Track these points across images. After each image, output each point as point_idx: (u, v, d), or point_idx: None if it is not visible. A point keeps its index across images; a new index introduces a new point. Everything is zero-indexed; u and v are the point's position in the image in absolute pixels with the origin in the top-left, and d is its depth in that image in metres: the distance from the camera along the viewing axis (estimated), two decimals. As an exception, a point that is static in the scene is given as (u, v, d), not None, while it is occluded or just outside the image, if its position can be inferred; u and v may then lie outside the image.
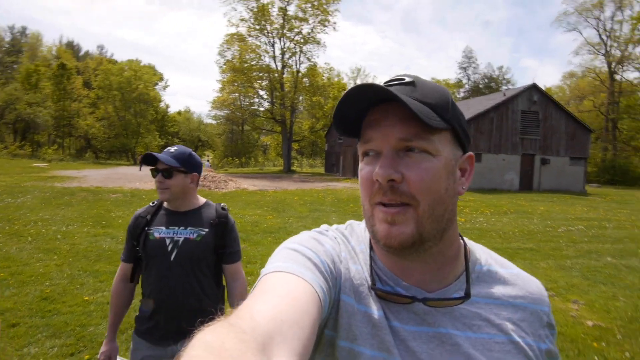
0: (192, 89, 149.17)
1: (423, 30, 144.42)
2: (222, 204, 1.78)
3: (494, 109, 21.00)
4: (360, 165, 0.57)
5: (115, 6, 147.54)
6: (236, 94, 36.72)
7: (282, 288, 0.46)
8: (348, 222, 0.70)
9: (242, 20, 34.22)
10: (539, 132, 21.71)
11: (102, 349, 1.67)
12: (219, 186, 16.73)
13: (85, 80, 54.06)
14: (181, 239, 1.62)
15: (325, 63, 52.51)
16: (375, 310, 0.55)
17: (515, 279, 0.62)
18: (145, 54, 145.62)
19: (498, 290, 0.60)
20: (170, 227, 1.64)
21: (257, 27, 34.39)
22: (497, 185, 20.54)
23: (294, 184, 20.36)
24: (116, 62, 67.31)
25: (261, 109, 38.45)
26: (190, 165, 1.67)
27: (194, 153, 1.72)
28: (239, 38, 34.78)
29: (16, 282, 4.35)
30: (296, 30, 34.83)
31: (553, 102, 22.61)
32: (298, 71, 36.29)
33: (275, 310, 0.40)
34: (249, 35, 34.72)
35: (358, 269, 0.60)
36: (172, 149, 1.67)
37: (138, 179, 19.89)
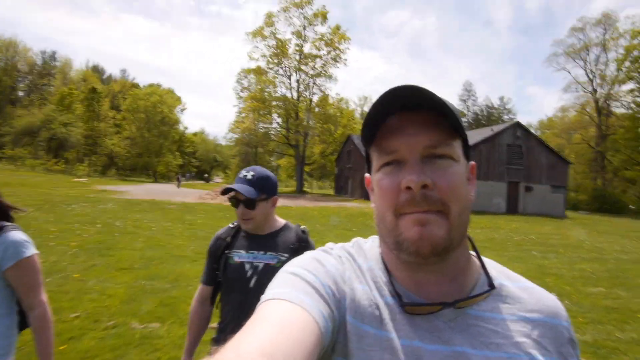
0: (201, 108, 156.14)
1: (428, 56, 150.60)
2: (303, 227, 1.69)
3: (483, 142, 24.41)
4: (378, 175, 0.55)
5: (130, 29, 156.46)
6: (255, 121, 40.45)
7: (276, 317, 0.44)
8: (354, 239, 0.68)
9: (262, 56, 38.45)
10: (522, 162, 25.01)
11: None
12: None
13: (111, 102, 58.65)
14: (261, 265, 1.54)
15: (336, 94, 56.42)
16: (385, 331, 0.52)
17: (530, 293, 0.58)
18: (158, 74, 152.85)
19: (513, 305, 0.56)
20: (250, 252, 1.57)
21: (276, 61, 38.51)
22: (485, 208, 23.56)
23: (310, 203, 23.51)
24: (138, 85, 72.61)
25: (273, 133, 42.04)
26: (270, 190, 1.58)
27: (271, 174, 1.62)
28: (259, 71, 38.89)
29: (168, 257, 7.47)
30: (311, 64, 38.91)
31: (534, 137, 26.18)
32: (311, 100, 40.10)
33: (265, 344, 0.38)
34: (269, 69, 38.80)
35: (364, 288, 0.57)
36: (249, 174, 1.56)
37: (176, 194, 23.26)
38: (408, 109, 0.52)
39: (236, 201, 1.54)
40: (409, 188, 0.50)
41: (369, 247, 0.64)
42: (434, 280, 0.55)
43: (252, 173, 1.56)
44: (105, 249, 6.75)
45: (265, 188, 1.56)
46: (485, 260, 0.62)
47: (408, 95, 0.50)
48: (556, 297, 0.61)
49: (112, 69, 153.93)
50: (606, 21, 42.67)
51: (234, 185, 1.51)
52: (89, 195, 18.22)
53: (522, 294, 0.58)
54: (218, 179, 69.97)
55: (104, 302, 4.16)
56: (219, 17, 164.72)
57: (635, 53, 38.64)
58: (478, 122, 57.54)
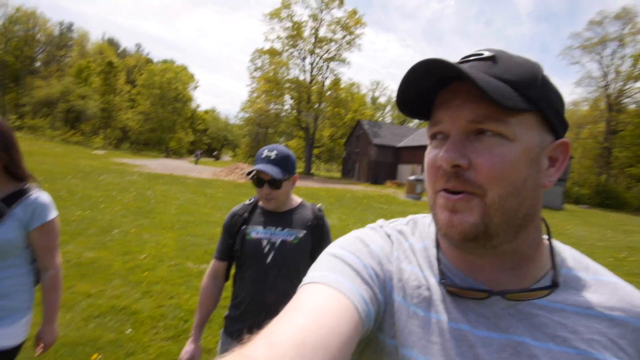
0: (212, 86, 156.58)
1: (445, 40, 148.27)
2: (319, 205, 1.70)
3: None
4: (428, 149, 0.53)
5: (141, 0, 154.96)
6: (267, 102, 41.30)
7: (312, 304, 0.43)
8: (410, 216, 0.65)
9: (278, 37, 38.93)
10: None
11: (186, 347, 1.56)
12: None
13: (126, 76, 59.72)
14: (278, 241, 1.54)
15: (349, 78, 56.73)
16: (435, 313, 0.50)
17: (614, 288, 0.51)
18: (170, 48, 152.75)
19: (590, 298, 0.49)
20: (267, 228, 1.56)
21: (291, 43, 39.00)
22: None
23: (318, 184, 24.59)
24: (152, 60, 73.46)
25: (284, 114, 42.92)
26: (292, 168, 1.58)
27: (291, 152, 1.60)
28: (273, 52, 39.47)
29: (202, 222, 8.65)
30: (325, 47, 39.33)
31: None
32: (323, 84, 40.70)
33: (298, 332, 0.37)
34: (284, 51, 39.34)
35: (414, 269, 0.54)
36: (272, 153, 1.53)
37: (190, 170, 24.50)
38: (458, 80, 0.48)
39: (260, 181, 1.53)
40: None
41: (426, 225, 0.62)
42: (489, 267, 0.51)
43: (275, 152, 1.54)
44: (147, 212, 7.95)
45: (288, 167, 1.56)
46: (562, 249, 0.56)
47: (437, 73, 0.47)
48: None
49: (126, 43, 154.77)
50: (626, 15, 42.09)
51: (260, 166, 1.50)
52: (111, 167, 19.47)
53: (601, 289, 0.51)
54: (227, 157, 71.35)
55: (162, 250, 5.34)
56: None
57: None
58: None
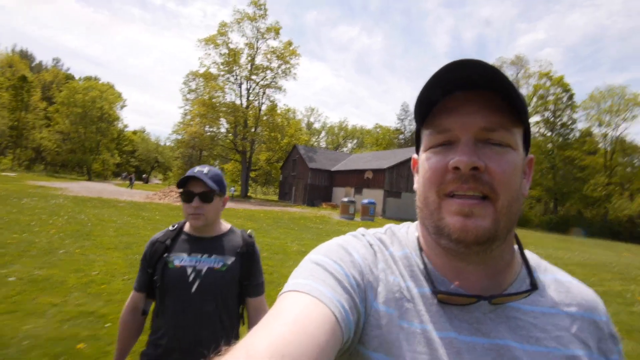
0: (142, 105, 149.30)
1: (373, 72, 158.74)
2: (249, 231, 1.64)
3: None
4: (426, 154, 0.53)
5: (60, 11, 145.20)
6: (202, 125, 40.93)
7: (291, 313, 0.42)
8: (387, 226, 0.65)
9: (214, 63, 39.29)
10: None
11: None
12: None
13: (42, 92, 54.85)
14: (204, 268, 1.45)
15: (284, 105, 58.49)
16: (419, 323, 0.50)
17: (568, 286, 0.57)
18: (93, 65, 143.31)
19: (552, 298, 0.54)
20: (192, 255, 1.47)
21: (227, 69, 39.54)
22: (414, 217, 26.88)
23: (256, 207, 24.94)
24: (72, 76, 68.51)
25: (220, 138, 42.80)
26: (223, 187, 1.55)
27: (222, 173, 1.58)
28: (208, 76, 39.60)
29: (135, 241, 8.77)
30: (261, 75, 40.50)
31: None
32: (260, 109, 41.58)
33: (276, 343, 0.36)
34: (220, 76, 39.69)
35: (396, 279, 0.54)
36: (205, 169, 1.51)
37: (119, 193, 23.39)
38: (467, 88, 0.49)
39: (189, 195, 1.47)
40: (457, 169, 0.48)
41: (404, 233, 0.62)
42: (474, 271, 0.52)
43: (207, 169, 1.52)
44: (86, 235, 7.94)
45: (221, 184, 1.53)
46: (527, 254, 0.60)
47: (470, 73, 0.47)
48: (593, 291, 0.58)
49: (42, 56, 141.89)
50: (519, 62, 49.94)
51: (194, 173, 1.46)
52: (29, 190, 18.04)
53: (559, 287, 0.56)
54: (156, 180, 67.81)
55: (112, 267, 5.62)
56: (163, 10, 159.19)
57: (541, 92, 45.95)
58: (414, 141, 62.20)
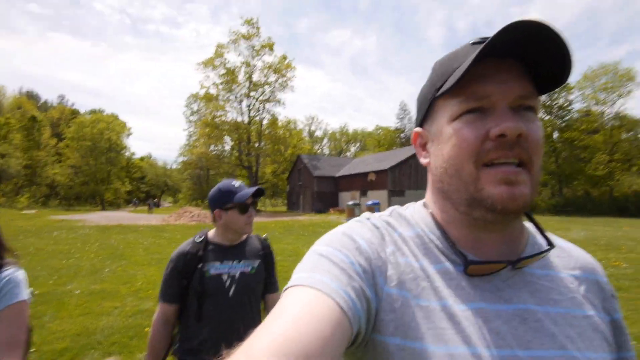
0: (145, 132, 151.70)
1: (370, 72, 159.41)
2: (264, 235, 1.79)
3: (413, 156, 28.80)
4: (455, 124, 0.51)
5: (59, 49, 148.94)
6: (207, 145, 42.33)
7: (294, 309, 0.41)
8: (391, 208, 0.64)
9: (214, 84, 40.81)
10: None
11: None
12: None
13: (51, 129, 56.98)
14: (237, 273, 1.59)
15: (285, 117, 59.88)
16: (438, 300, 0.50)
17: (569, 251, 0.59)
18: (95, 96, 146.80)
19: (559, 262, 0.56)
20: (225, 262, 1.60)
21: (226, 88, 41.00)
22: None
23: (266, 218, 25.96)
24: (78, 111, 70.84)
25: (225, 155, 44.17)
26: None
27: None
28: (209, 97, 41.09)
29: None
30: (260, 91, 41.89)
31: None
32: (261, 124, 42.88)
33: (277, 342, 0.36)
34: (221, 96, 41.17)
35: (408, 261, 0.53)
36: (238, 182, 1.66)
37: (136, 219, 24.60)
38: (498, 56, 0.48)
39: (245, 207, 1.59)
40: (501, 136, 0.47)
41: (412, 213, 0.61)
42: (495, 240, 0.53)
43: (240, 182, 1.64)
44: (120, 256, 9.00)
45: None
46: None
47: (531, 34, 0.46)
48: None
49: (47, 95, 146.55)
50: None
51: (250, 189, 1.61)
52: (54, 224, 19.26)
53: (561, 253, 0.58)
54: (167, 203, 69.49)
55: (152, 277, 6.63)
56: (157, 36, 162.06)
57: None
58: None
